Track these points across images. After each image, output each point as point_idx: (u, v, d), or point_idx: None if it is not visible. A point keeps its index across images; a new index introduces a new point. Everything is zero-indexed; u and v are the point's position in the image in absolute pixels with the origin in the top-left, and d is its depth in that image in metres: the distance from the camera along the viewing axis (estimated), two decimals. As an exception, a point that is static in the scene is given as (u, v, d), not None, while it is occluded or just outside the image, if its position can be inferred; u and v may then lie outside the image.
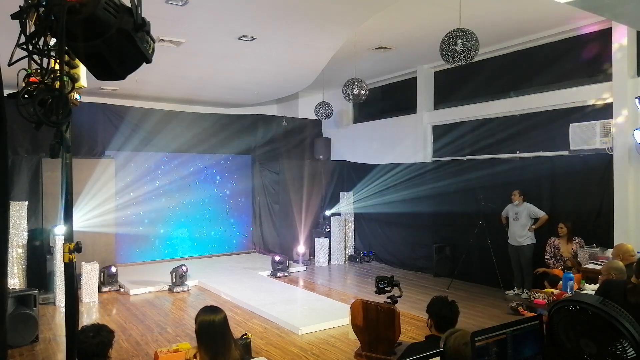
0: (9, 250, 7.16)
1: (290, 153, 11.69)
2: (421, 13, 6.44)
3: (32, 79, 1.59)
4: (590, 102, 6.92)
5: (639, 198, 6.32)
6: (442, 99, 9.52)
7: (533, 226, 7.16)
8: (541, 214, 7.10)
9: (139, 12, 1.33)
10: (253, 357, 4.62)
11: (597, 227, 6.69)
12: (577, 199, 6.95)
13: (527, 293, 6.34)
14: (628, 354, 1.65)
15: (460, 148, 9.00)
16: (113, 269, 8.19)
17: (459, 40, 5.08)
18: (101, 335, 2.76)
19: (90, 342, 2.71)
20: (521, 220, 7.20)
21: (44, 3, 1.30)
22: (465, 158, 8.80)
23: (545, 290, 5.58)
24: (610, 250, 5.74)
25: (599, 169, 6.68)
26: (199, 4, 5.44)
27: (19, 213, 7.44)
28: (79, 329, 2.82)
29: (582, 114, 6.95)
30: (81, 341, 2.73)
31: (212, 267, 9.81)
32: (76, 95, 2.53)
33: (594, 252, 6.33)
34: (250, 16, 5.92)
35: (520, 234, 7.21)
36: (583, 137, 6.76)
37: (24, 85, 1.58)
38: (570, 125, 6.90)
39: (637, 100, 6.01)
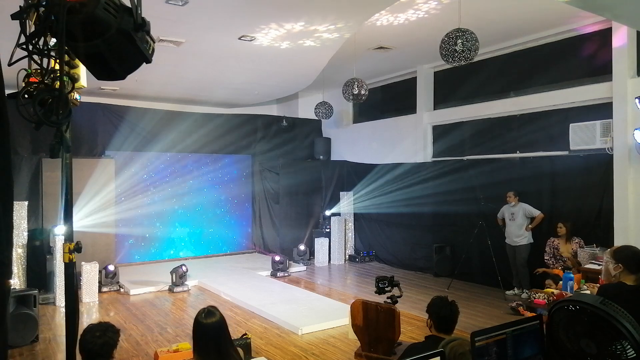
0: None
1: (290, 153, 11.69)
2: (421, 13, 6.44)
3: (32, 79, 1.60)
4: (590, 102, 6.92)
5: (639, 198, 6.31)
6: (442, 99, 9.52)
7: (530, 226, 7.17)
8: (536, 213, 7.11)
9: (139, 12, 1.33)
10: (253, 357, 4.62)
11: (597, 227, 6.69)
12: (577, 199, 6.95)
13: (527, 293, 6.34)
14: (628, 354, 1.65)
15: (460, 148, 9.00)
16: (111, 267, 8.18)
17: (459, 40, 5.08)
18: (107, 336, 2.71)
19: (96, 342, 2.67)
20: (517, 220, 7.21)
21: (44, 3, 1.30)
22: (465, 158, 8.80)
23: (545, 290, 5.59)
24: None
25: (599, 169, 6.67)
26: (199, 4, 5.44)
27: (19, 213, 7.45)
28: (86, 326, 2.80)
29: (582, 114, 6.95)
30: (86, 340, 2.70)
31: (212, 267, 9.81)
32: (76, 95, 2.53)
33: (594, 252, 6.33)
34: (250, 16, 5.92)
35: (517, 233, 7.22)
36: (583, 137, 6.76)
37: (24, 85, 1.58)
38: (570, 125, 6.91)
39: (637, 100, 6.01)
